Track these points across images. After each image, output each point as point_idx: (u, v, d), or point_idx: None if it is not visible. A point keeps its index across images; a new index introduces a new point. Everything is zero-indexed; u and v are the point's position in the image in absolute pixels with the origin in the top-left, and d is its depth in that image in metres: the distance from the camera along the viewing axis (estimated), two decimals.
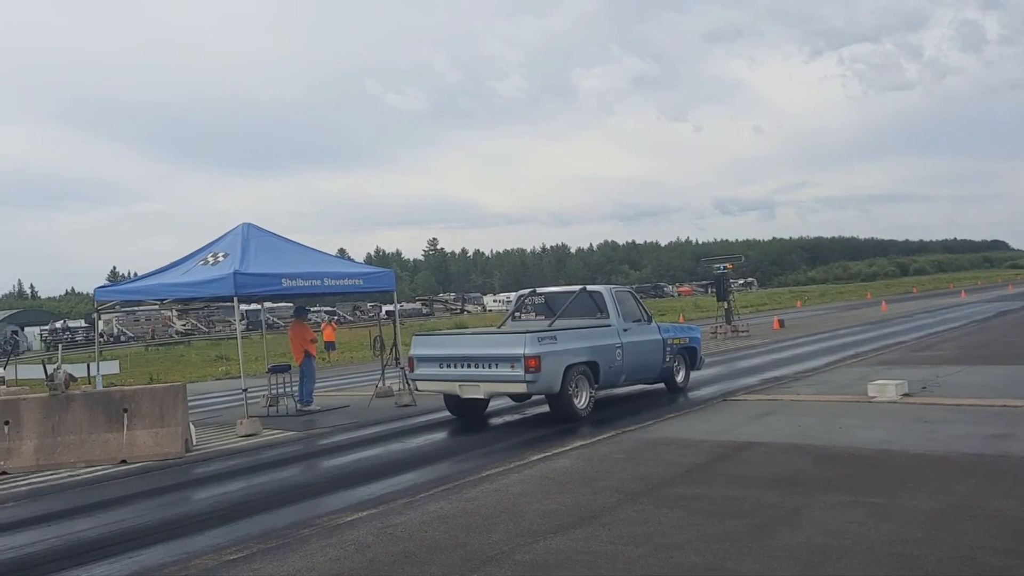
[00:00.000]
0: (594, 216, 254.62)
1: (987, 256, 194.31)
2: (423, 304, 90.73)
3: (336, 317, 62.76)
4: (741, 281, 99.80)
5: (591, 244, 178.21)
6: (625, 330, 12.00)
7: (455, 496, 6.95)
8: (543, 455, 8.51)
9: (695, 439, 8.79)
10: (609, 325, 11.86)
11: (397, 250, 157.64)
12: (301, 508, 7.32)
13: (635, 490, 6.72)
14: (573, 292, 12.74)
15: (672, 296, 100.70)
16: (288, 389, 14.55)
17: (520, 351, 10.23)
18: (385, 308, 51.19)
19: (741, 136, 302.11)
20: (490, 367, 10.64)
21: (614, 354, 11.62)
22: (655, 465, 7.65)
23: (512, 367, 10.32)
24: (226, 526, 6.86)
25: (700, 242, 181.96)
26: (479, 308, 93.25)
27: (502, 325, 13.39)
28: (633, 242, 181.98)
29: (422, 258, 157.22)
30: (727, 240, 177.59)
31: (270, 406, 14.16)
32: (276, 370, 14.72)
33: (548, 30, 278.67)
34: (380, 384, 15.21)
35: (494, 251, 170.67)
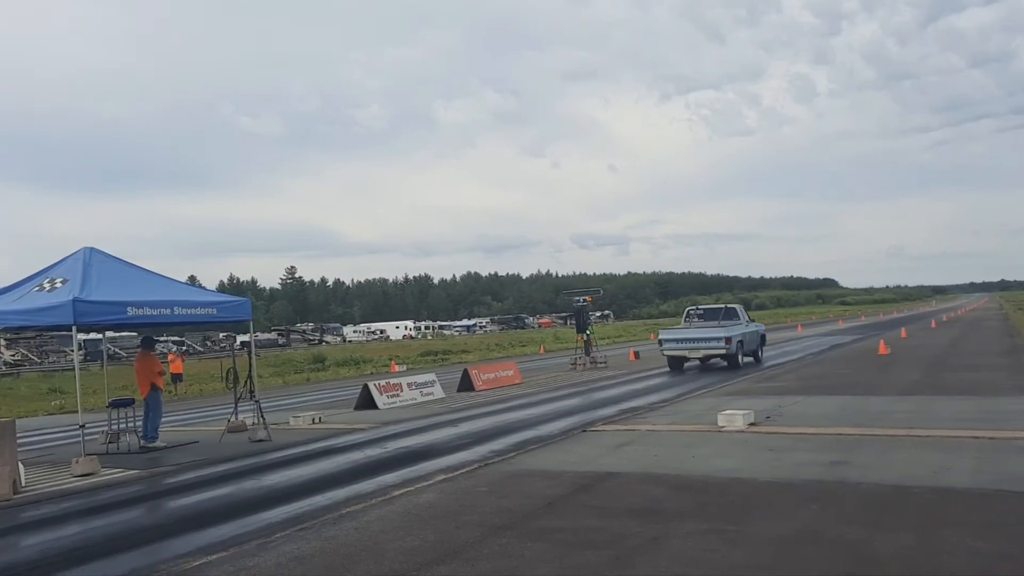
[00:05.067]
0: (457, 247, 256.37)
1: (820, 293, 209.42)
2: (279, 334, 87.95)
3: (185, 348, 59.84)
4: (598, 314, 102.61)
5: (454, 275, 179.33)
6: (747, 326, 24.14)
7: (313, 535, 6.69)
8: (405, 490, 8.36)
9: (557, 470, 8.87)
10: (741, 323, 23.86)
11: (252, 278, 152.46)
12: (144, 553, 6.85)
13: (499, 523, 6.68)
14: (722, 307, 26.00)
15: (533, 327, 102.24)
16: (131, 424, 13.65)
17: (723, 335, 22.16)
18: (240, 339, 49.22)
19: (597, 173, 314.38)
20: (707, 343, 22.36)
21: (746, 337, 23.35)
22: (518, 498, 7.65)
23: (719, 342, 22.03)
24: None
25: (560, 275, 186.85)
26: (339, 339, 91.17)
27: (668, 332, 24.24)
28: (495, 274, 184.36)
29: (279, 287, 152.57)
30: (585, 273, 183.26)
31: (110, 443, 13.25)
32: (117, 404, 13.81)
33: (408, 60, 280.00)
34: (233, 418, 14.56)
35: (355, 281, 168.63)
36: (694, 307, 26.65)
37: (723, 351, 22.24)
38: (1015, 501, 6.42)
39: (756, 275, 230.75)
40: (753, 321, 26.19)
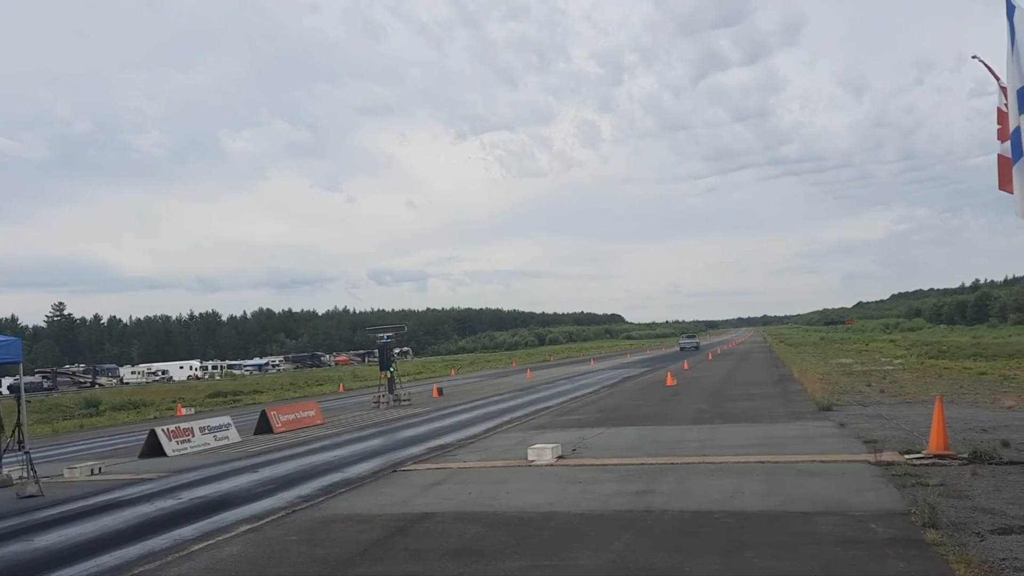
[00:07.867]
0: (247, 282, 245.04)
1: (608, 328, 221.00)
2: (44, 377, 79.81)
3: None
4: (398, 350, 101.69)
5: (244, 311, 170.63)
6: (698, 339, 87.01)
7: None
8: (205, 544, 7.79)
9: (370, 514, 8.61)
10: (696, 338, 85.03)
11: (12, 315, 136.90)
12: None
13: (313, 574, 6.36)
14: (693, 334, 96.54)
15: (330, 366, 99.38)
16: None
17: (697, 340, 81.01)
18: (6, 383, 44.41)
19: (394, 209, 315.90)
20: (693, 343, 76.61)
21: (700, 343, 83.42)
22: (332, 545, 7.33)
23: (696, 343, 77.06)
24: None
25: (357, 311, 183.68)
26: (114, 381, 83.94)
27: (681, 339, 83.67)
28: (290, 310, 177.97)
29: (44, 325, 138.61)
30: (383, 310, 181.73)
31: None
32: None
33: (192, 86, 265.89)
34: None
35: (133, 318, 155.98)
36: (684, 333, 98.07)
37: (696, 346, 71.98)
38: (801, 521, 6.99)
39: (549, 311, 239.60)
40: (697, 337, 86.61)
